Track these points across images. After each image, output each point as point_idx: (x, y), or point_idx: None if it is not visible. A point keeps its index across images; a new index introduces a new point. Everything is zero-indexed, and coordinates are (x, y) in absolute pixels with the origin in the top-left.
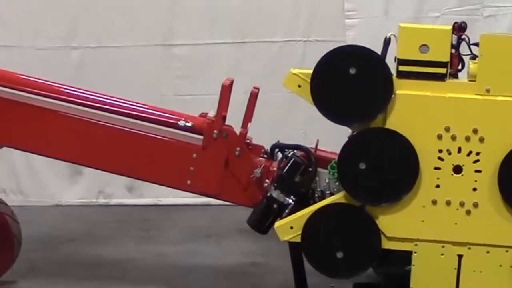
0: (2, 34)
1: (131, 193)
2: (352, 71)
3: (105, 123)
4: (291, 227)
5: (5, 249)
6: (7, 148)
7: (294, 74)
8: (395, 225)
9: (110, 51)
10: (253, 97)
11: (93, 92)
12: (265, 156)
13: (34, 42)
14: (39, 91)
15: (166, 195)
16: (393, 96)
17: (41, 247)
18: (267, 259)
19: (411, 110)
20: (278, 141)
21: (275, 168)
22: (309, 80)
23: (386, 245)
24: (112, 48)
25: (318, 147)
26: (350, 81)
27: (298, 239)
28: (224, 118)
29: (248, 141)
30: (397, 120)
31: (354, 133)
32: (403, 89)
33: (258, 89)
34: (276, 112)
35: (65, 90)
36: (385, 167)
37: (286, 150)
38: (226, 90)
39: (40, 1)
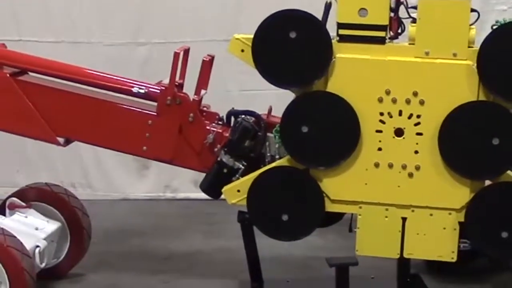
0: (71, 31)
1: (197, 187)
2: (292, 35)
3: (62, 89)
4: (238, 191)
5: (76, 242)
6: (76, 142)
7: (237, 39)
8: (339, 188)
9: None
10: (206, 64)
11: (53, 60)
12: (219, 122)
13: (102, 38)
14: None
15: None
16: (333, 59)
17: (109, 241)
18: (330, 254)
19: (352, 73)
20: (233, 108)
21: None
22: (250, 44)
23: (330, 207)
24: (178, 43)
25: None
26: (291, 44)
27: (245, 202)
28: (180, 85)
29: (204, 108)
30: (338, 83)
31: (296, 97)
32: (343, 53)
33: (213, 56)
34: None
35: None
36: (326, 130)
37: (240, 116)
38: (178, 58)
39: None
